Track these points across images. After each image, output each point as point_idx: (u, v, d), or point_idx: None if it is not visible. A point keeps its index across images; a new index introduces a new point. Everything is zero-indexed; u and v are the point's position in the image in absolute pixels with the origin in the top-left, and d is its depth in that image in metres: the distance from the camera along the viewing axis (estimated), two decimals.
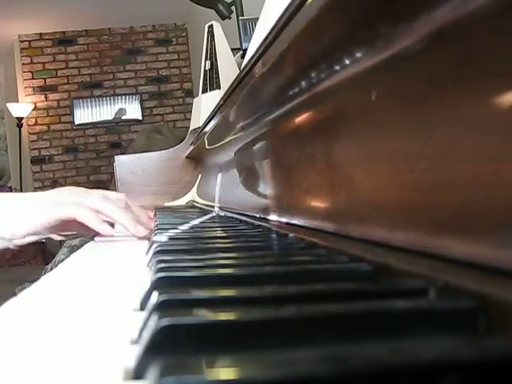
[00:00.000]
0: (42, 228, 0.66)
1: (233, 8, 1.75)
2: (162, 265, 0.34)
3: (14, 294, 0.34)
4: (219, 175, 1.08)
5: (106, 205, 0.67)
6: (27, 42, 4.84)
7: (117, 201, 0.70)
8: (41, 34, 4.82)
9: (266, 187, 0.66)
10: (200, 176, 1.53)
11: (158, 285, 0.29)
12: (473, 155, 0.24)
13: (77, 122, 4.83)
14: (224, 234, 0.64)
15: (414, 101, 0.31)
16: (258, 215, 0.68)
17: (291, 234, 0.50)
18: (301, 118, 0.53)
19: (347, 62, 0.38)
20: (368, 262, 0.32)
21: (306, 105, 0.50)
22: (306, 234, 0.46)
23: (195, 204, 1.42)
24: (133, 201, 0.75)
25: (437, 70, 0.28)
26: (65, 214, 0.65)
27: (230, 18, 1.77)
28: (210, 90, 1.44)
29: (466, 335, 0.21)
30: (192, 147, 1.36)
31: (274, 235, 0.55)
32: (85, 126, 4.86)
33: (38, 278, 0.42)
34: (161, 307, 0.24)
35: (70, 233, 0.75)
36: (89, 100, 4.87)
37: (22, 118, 4.72)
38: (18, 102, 4.79)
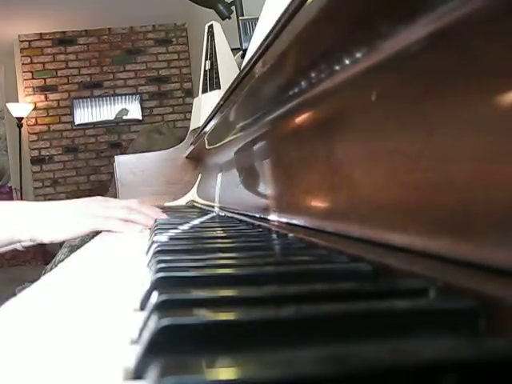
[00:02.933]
0: (78, 235, 0.79)
1: (233, 8, 1.75)
2: (162, 265, 0.34)
3: (14, 294, 0.34)
4: (219, 175, 1.08)
5: (131, 215, 0.81)
6: (27, 42, 4.84)
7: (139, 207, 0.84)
8: (41, 34, 4.82)
9: (266, 187, 0.67)
10: (200, 176, 1.53)
11: (157, 285, 0.29)
12: (473, 155, 0.24)
13: (77, 121, 4.83)
14: (224, 234, 0.64)
15: (414, 101, 0.31)
16: (257, 215, 0.68)
17: (291, 234, 0.50)
18: (301, 118, 0.53)
19: (347, 62, 0.38)
20: (368, 262, 0.32)
21: (306, 105, 0.50)
22: (306, 234, 0.46)
23: (195, 204, 1.42)
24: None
25: (437, 70, 0.28)
26: (103, 227, 0.77)
27: (230, 18, 1.77)
28: (210, 90, 1.44)
29: (466, 335, 0.21)
30: (192, 147, 1.36)
31: (274, 235, 0.55)
32: (85, 126, 4.86)
33: (37, 278, 0.42)
34: (161, 307, 0.24)
35: None
36: (89, 100, 4.87)
37: (22, 118, 4.72)
38: (18, 101, 4.79)
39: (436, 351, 0.17)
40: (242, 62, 1.11)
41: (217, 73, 1.42)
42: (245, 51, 1.38)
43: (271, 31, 0.41)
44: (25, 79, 4.83)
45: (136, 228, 0.78)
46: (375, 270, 0.31)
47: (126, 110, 4.90)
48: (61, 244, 2.36)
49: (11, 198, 4.92)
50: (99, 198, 0.86)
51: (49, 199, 4.63)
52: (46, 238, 0.77)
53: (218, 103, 0.74)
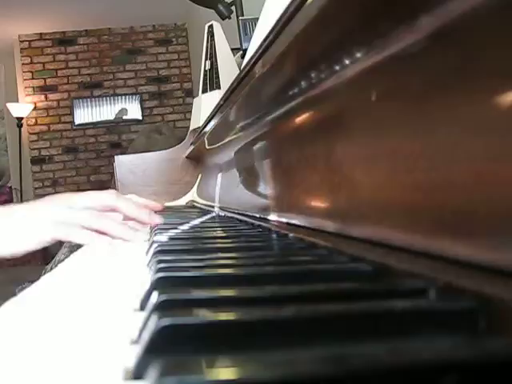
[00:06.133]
0: (41, 246, 0.68)
1: (233, 8, 1.75)
2: (162, 265, 0.34)
3: (14, 294, 0.34)
4: (219, 175, 1.08)
5: (99, 222, 0.68)
6: (27, 42, 4.84)
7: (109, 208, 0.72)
8: (41, 34, 4.82)
9: (266, 187, 0.67)
10: (200, 176, 1.53)
11: (157, 285, 0.29)
12: (473, 155, 0.24)
13: (77, 121, 4.83)
14: (224, 234, 0.64)
15: (414, 101, 0.31)
16: (257, 215, 0.68)
17: (291, 234, 0.50)
18: (301, 118, 0.53)
19: (347, 62, 0.38)
20: (368, 262, 0.32)
21: (306, 105, 0.50)
22: (306, 234, 0.46)
23: (195, 204, 1.42)
24: None
25: (437, 70, 0.28)
26: (62, 236, 0.66)
27: (230, 18, 1.76)
28: (210, 90, 1.44)
29: (465, 335, 0.21)
30: (192, 147, 1.36)
31: (274, 235, 0.55)
32: (85, 126, 4.86)
33: (37, 278, 0.42)
34: (161, 307, 0.24)
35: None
36: (89, 100, 4.87)
37: (22, 118, 4.72)
38: (17, 101, 4.79)
39: (436, 351, 0.17)
40: (242, 62, 1.11)
41: (217, 73, 1.42)
42: (245, 51, 1.37)
43: (271, 31, 0.41)
44: (25, 79, 4.83)
45: (102, 241, 0.65)
46: (375, 270, 0.31)
47: (125, 109, 4.90)
48: (61, 244, 2.35)
49: (11, 198, 4.92)
50: (67, 195, 0.73)
51: None
52: (7, 253, 0.67)
53: (218, 103, 0.74)
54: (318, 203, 0.48)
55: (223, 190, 1.02)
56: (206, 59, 1.49)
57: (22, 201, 4.73)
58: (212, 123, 0.86)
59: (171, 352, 0.19)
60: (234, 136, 0.84)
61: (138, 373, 0.19)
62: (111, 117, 4.88)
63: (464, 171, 0.25)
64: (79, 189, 4.77)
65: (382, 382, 0.16)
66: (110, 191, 0.75)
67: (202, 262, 0.37)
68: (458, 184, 0.25)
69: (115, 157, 1.64)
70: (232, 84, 0.61)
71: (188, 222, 0.77)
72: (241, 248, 0.48)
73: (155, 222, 0.73)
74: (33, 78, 4.84)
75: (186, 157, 1.58)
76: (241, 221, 0.75)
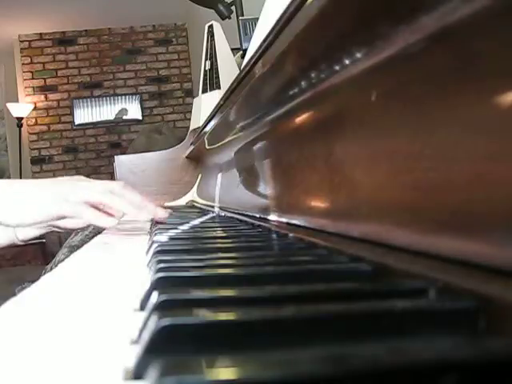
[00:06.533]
0: (48, 220, 0.70)
1: (233, 8, 1.75)
2: (162, 265, 0.34)
3: (14, 294, 0.34)
4: (219, 175, 1.08)
5: (110, 199, 0.71)
6: (27, 42, 4.84)
7: (120, 190, 0.74)
8: (41, 34, 4.82)
9: (266, 187, 0.67)
10: (200, 176, 1.53)
11: (157, 285, 0.29)
12: (473, 155, 0.24)
13: (77, 121, 4.83)
14: (224, 234, 0.64)
15: (414, 101, 0.31)
16: (257, 215, 0.68)
17: (291, 234, 0.50)
18: (301, 118, 0.53)
19: (347, 62, 0.38)
20: (368, 262, 0.32)
21: (306, 105, 0.50)
22: (306, 234, 0.46)
23: (195, 204, 1.42)
24: None
25: (437, 70, 0.28)
26: (71, 212, 0.70)
27: (230, 18, 1.77)
28: (210, 90, 1.44)
29: (465, 335, 0.21)
30: (192, 147, 1.37)
31: (274, 235, 0.55)
32: (85, 126, 4.86)
33: (37, 278, 0.42)
34: (161, 307, 0.24)
35: (71, 226, 0.77)
36: (89, 100, 4.87)
37: (22, 118, 4.72)
38: (18, 101, 4.78)
39: (436, 351, 0.17)
40: (242, 61, 1.11)
41: (217, 73, 1.42)
42: (245, 51, 1.38)
43: (271, 31, 0.42)
44: (25, 79, 4.83)
45: (107, 221, 0.70)
46: (375, 270, 0.31)
47: (125, 109, 4.90)
48: (61, 244, 2.35)
49: None
50: (82, 178, 0.77)
51: None
52: (13, 221, 0.71)
53: (218, 103, 0.74)
54: (317, 203, 0.48)
55: (223, 190, 1.02)
56: (206, 59, 1.49)
57: None
58: (212, 123, 0.86)
59: (171, 352, 0.19)
60: (234, 136, 0.84)
61: (138, 373, 0.19)
62: (111, 117, 4.88)
63: (464, 171, 0.25)
64: None
65: (382, 382, 0.16)
66: (119, 183, 0.77)
67: (202, 261, 0.37)
68: (457, 184, 0.25)
69: (115, 157, 1.64)
70: (232, 84, 0.61)
71: (188, 222, 0.77)
72: (241, 248, 0.48)
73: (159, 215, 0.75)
74: (33, 78, 4.84)
75: (186, 157, 1.58)
76: (241, 221, 0.75)
